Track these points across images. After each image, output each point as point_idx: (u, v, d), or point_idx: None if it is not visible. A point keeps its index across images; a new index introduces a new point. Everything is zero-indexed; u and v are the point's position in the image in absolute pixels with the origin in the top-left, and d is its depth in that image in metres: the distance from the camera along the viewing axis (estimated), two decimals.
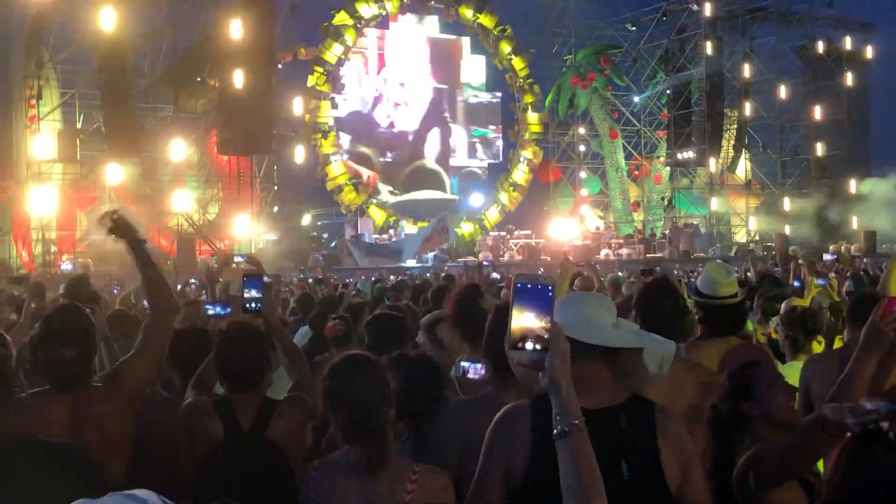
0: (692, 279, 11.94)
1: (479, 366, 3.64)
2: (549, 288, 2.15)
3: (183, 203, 27.06)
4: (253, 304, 4.19)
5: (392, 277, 17.12)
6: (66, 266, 23.75)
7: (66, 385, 3.65)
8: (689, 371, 3.93)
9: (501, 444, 2.60)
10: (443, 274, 15.34)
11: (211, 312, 4.79)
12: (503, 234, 33.26)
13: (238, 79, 25.38)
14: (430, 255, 29.21)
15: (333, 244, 30.15)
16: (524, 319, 2.13)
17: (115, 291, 11.64)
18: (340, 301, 8.18)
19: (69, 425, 3.53)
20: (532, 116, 36.61)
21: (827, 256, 8.15)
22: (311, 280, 14.41)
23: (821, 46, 38.16)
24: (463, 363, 3.78)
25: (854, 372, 3.16)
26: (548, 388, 2.19)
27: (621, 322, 2.71)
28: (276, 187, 30.53)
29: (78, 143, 25.90)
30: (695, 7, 34.94)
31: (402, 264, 27.27)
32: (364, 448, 2.93)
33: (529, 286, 2.14)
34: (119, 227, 4.18)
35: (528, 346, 2.13)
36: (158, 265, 4.38)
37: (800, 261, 9.51)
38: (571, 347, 2.20)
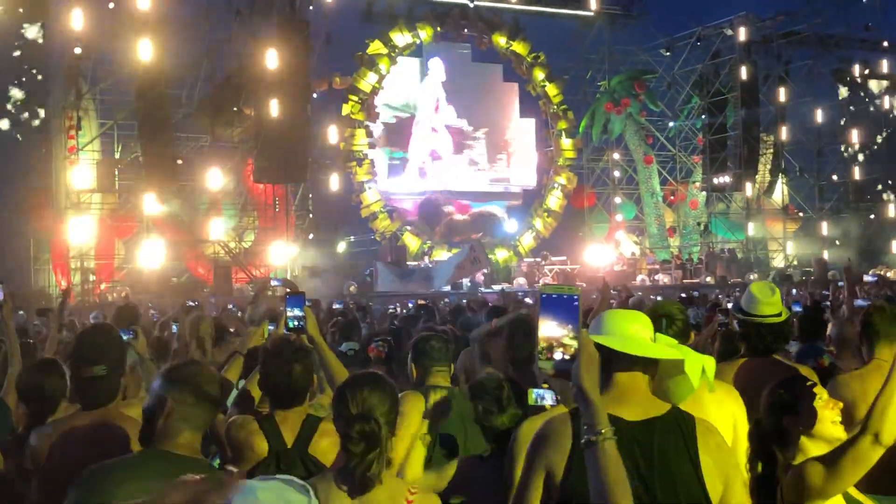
0: (729, 303, 11.84)
1: (553, 393, 3.67)
2: (575, 297, 2.16)
3: (219, 231, 27.32)
4: (296, 322, 4.24)
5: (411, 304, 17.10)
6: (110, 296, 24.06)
7: (93, 403, 3.67)
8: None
9: (543, 453, 2.62)
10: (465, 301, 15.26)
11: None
12: (538, 260, 33.19)
13: (274, 108, 25.68)
14: (465, 281, 29.19)
15: (368, 272, 30.22)
16: (551, 329, 2.15)
17: (153, 318, 11.72)
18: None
19: (92, 442, 3.53)
20: (566, 142, 36.58)
21: (868, 278, 8.02)
22: (352, 304, 14.50)
23: (857, 69, 37.97)
24: (536, 392, 3.80)
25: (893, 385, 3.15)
26: (575, 397, 2.20)
27: (659, 337, 2.73)
28: (311, 215, 30.70)
29: (116, 172, 26.30)
30: (729, 31, 34.87)
31: (436, 290, 27.30)
32: (357, 464, 2.90)
33: (555, 296, 2.16)
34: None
35: (557, 356, 2.15)
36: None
37: (839, 282, 9.34)
38: (611, 359, 2.22)
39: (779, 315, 4.66)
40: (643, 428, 2.54)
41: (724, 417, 3.65)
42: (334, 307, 13.30)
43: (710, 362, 2.70)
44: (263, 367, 3.96)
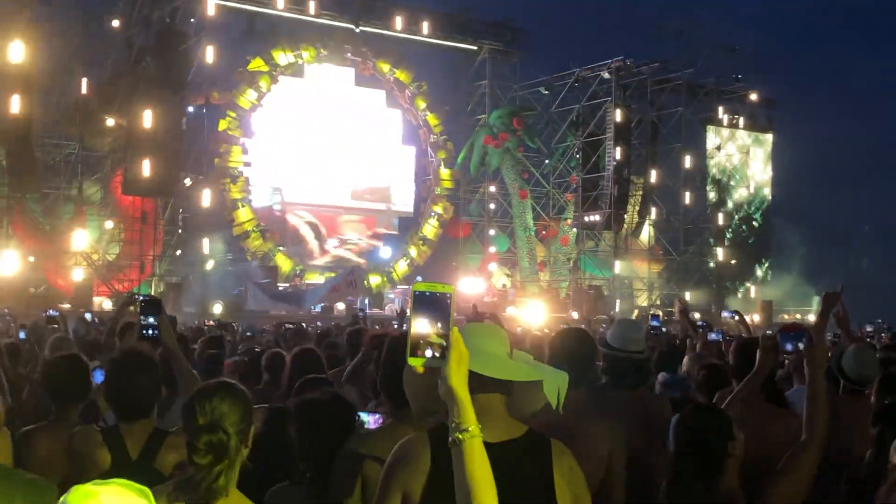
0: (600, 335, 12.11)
1: (377, 416, 3.63)
2: (448, 295, 2.15)
3: (83, 242, 26.48)
4: (150, 332, 4.13)
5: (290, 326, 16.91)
6: None
7: None
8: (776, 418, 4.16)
9: (400, 473, 2.60)
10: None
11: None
12: (409, 287, 33.27)
13: (147, 119, 25.10)
14: (340, 304, 28.98)
15: (238, 291, 29.74)
16: (423, 326, 2.14)
17: (20, 336, 11.15)
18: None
19: None
20: (444, 172, 36.95)
21: (725, 314, 8.29)
22: (212, 322, 14.28)
23: (725, 119, 39.63)
24: (362, 414, 3.76)
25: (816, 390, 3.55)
26: (444, 394, 2.18)
27: (515, 353, 2.73)
28: (180, 230, 30.05)
29: None
30: (606, 75, 35.84)
31: (309, 311, 27.08)
32: (205, 476, 2.71)
33: (428, 294, 2.15)
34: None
35: (428, 353, 2.13)
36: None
37: (699, 323, 9.68)
38: (470, 379, 2.22)
39: (642, 352, 4.85)
40: (501, 449, 2.52)
41: (598, 449, 3.72)
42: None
43: (564, 380, 2.73)
44: (108, 378, 3.85)
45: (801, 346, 3.87)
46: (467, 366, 2.19)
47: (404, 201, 38.34)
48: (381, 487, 2.65)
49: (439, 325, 2.14)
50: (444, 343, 2.14)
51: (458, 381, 2.17)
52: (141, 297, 6.51)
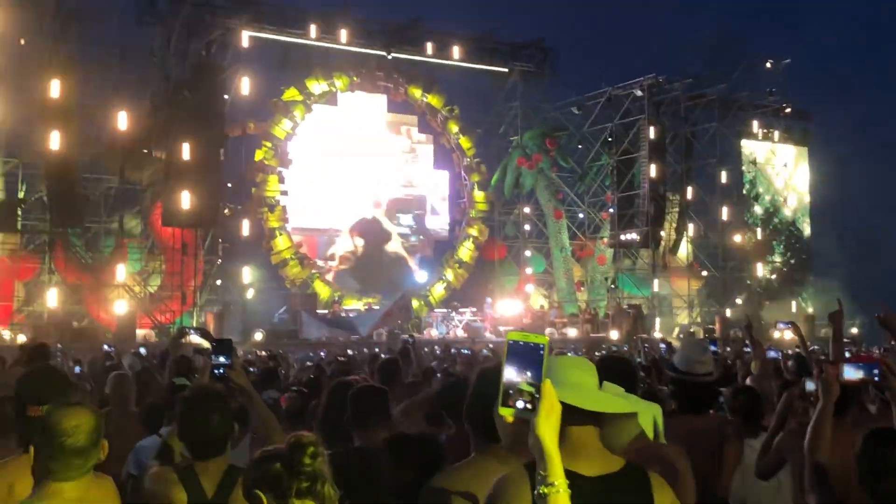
0: (638, 359, 12.07)
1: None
2: (541, 346, 2.15)
3: (124, 275, 26.73)
4: (221, 370, 4.14)
5: (350, 352, 17.01)
6: (5, 334, 23.26)
7: None
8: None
9: None
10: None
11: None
12: (448, 310, 33.26)
13: (186, 151, 25.36)
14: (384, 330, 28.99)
15: (277, 319, 29.86)
16: (515, 376, 2.13)
17: (76, 371, 11.29)
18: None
19: None
20: (478, 195, 36.97)
21: (780, 325, 8.19)
22: (263, 353, 14.36)
23: (760, 134, 39.41)
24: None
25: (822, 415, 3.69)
26: (532, 447, 2.17)
27: (605, 384, 2.69)
28: (220, 260, 30.27)
29: (19, 212, 25.52)
30: (638, 92, 35.78)
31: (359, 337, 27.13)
32: None
33: (521, 343, 2.15)
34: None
35: (519, 404, 2.13)
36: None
37: (745, 341, 9.58)
38: (563, 412, 2.20)
39: (710, 374, 4.77)
40: (600, 484, 2.52)
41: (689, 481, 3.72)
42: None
43: (658, 410, 2.69)
44: (181, 418, 3.86)
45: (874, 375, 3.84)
46: (558, 418, 2.17)
47: (439, 225, 38.39)
48: None
49: (531, 375, 2.14)
50: (535, 394, 2.13)
51: (548, 434, 2.15)
52: (199, 331, 6.53)
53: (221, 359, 4.16)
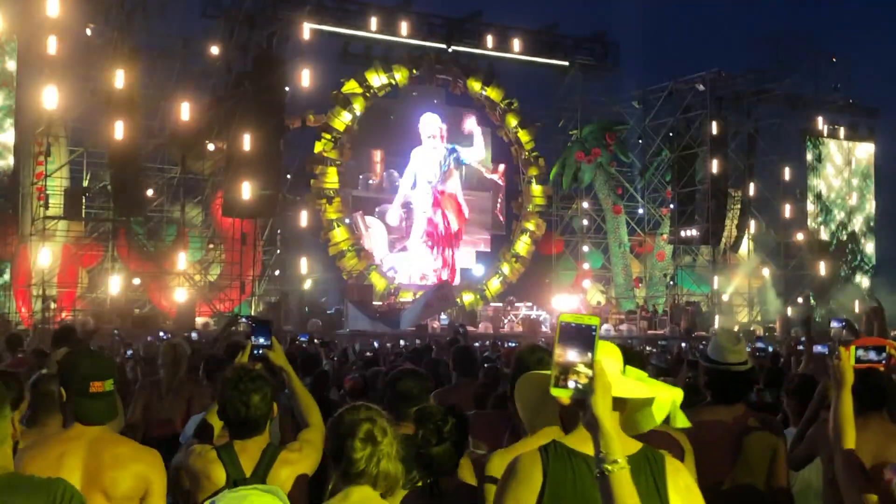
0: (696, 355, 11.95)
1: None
2: (593, 327, 2.20)
3: (185, 263, 27.15)
4: (260, 351, 4.18)
5: (401, 342, 17.09)
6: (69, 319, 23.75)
7: (97, 419, 3.71)
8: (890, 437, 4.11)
9: (513, 490, 2.59)
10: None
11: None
12: (504, 305, 33.22)
13: (246, 142, 25.66)
14: (435, 322, 29.00)
15: (333, 309, 30.09)
16: (567, 357, 2.18)
17: (127, 354, 11.57)
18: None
19: (85, 462, 3.59)
20: (536, 189, 36.84)
21: (834, 323, 8.07)
22: (316, 341, 14.49)
23: (826, 130, 38.65)
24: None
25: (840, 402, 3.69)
26: (588, 425, 2.21)
27: (628, 370, 2.70)
28: (278, 251, 30.60)
29: (84, 201, 26.04)
30: (700, 87, 35.34)
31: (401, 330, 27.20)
32: (368, 463, 2.94)
33: (573, 325, 2.20)
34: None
35: (571, 384, 2.18)
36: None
37: (800, 338, 9.51)
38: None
39: (745, 363, 4.69)
40: None
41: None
42: (298, 341, 13.34)
43: (679, 395, 2.70)
44: (221, 397, 3.91)
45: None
46: (611, 398, 2.22)
47: (496, 218, 38.31)
48: (495, 501, 2.64)
49: (585, 356, 2.18)
50: (590, 373, 2.17)
51: (604, 412, 2.19)
52: (248, 318, 6.60)
53: (261, 339, 4.19)
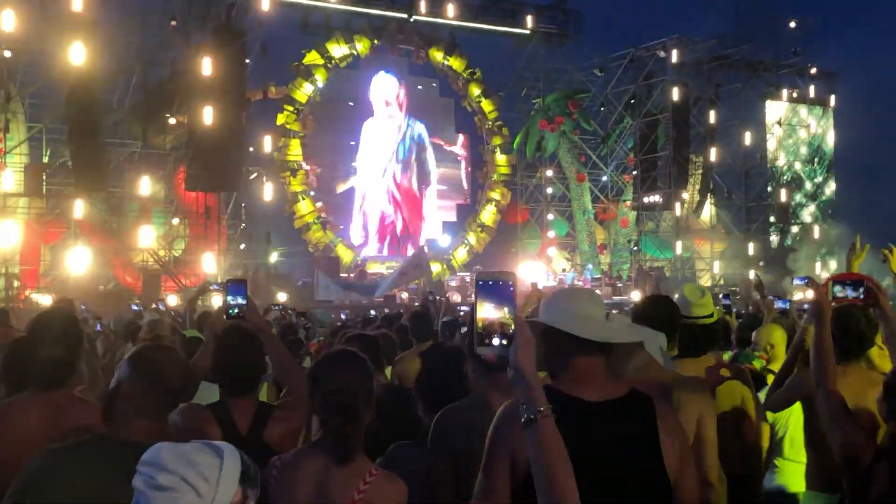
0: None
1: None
2: (510, 283, 2.19)
3: (149, 239, 26.92)
4: (236, 311, 4.19)
5: (373, 313, 17.11)
6: (33, 297, 23.50)
7: (48, 384, 3.64)
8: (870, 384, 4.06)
9: (506, 438, 2.61)
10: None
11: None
12: (470, 274, 33.30)
13: (207, 115, 25.41)
14: (404, 294, 29.04)
15: (301, 282, 30.00)
16: (489, 315, 2.17)
17: (97, 328, 11.49)
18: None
19: (45, 427, 3.50)
20: (500, 158, 36.89)
21: (797, 281, 8.21)
22: (290, 311, 14.50)
23: (785, 94, 38.92)
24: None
25: (820, 340, 3.62)
26: (513, 378, 2.21)
27: (612, 315, 2.77)
28: (243, 225, 30.43)
29: (44, 177, 25.69)
30: (661, 54, 35.46)
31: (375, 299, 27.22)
32: (335, 434, 2.96)
33: (491, 282, 2.19)
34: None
35: (495, 341, 2.17)
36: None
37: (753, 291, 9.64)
38: (566, 342, 2.24)
39: (710, 316, 4.78)
40: (603, 408, 2.57)
41: (689, 413, 3.70)
42: (272, 310, 13.35)
43: (663, 338, 2.76)
44: (216, 355, 3.93)
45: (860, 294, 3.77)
46: (533, 349, 2.21)
47: (461, 188, 38.33)
48: (487, 453, 2.65)
49: (504, 311, 2.17)
50: (511, 328, 2.17)
51: (526, 364, 2.19)
52: (219, 284, 6.58)
53: (239, 299, 4.20)
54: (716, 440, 3.74)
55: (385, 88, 35.59)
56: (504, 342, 2.16)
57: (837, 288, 3.79)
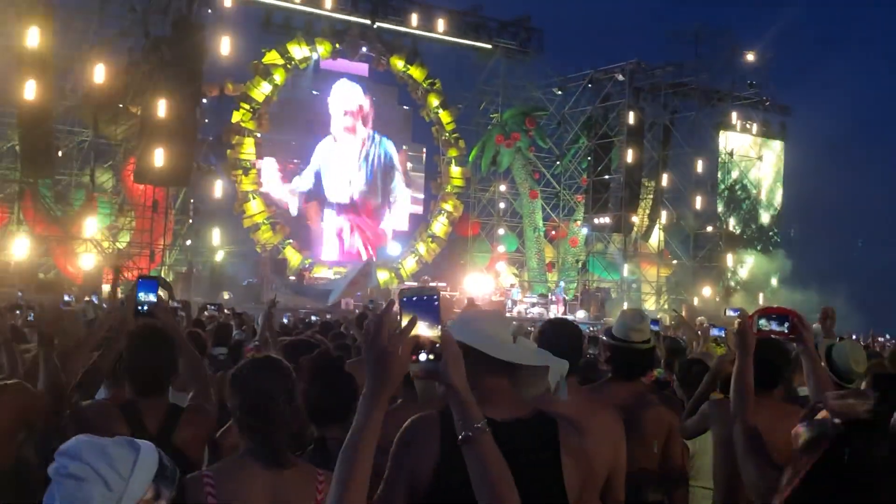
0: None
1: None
2: (434, 297, 2.16)
3: (93, 229, 26.55)
4: (146, 307, 4.08)
5: (314, 318, 17.01)
6: None
7: None
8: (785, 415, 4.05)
9: (409, 452, 2.61)
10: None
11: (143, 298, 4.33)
12: (418, 284, 33.25)
13: (161, 108, 25.13)
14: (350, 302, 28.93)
15: (246, 282, 29.73)
16: (414, 332, 2.13)
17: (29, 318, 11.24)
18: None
19: None
20: (455, 170, 36.93)
21: (730, 312, 8.34)
22: (227, 311, 14.35)
23: (739, 125, 39.53)
24: None
25: (741, 371, 3.64)
26: (445, 395, 2.19)
27: (519, 339, 2.76)
28: (191, 220, 30.11)
29: None
30: (620, 77, 35.81)
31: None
32: (264, 440, 2.94)
33: (415, 298, 2.16)
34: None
35: (422, 356, 2.13)
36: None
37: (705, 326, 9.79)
38: (475, 362, 2.22)
39: (647, 342, 4.80)
40: (508, 428, 2.55)
41: (605, 437, 3.72)
42: (208, 310, 13.20)
43: (565, 367, 2.77)
44: (129, 352, 3.85)
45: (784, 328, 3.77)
46: (462, 364, 2.18)
47: (414, 199, 38.31)
48: (390, 466, 2.64)
49: (431, 327, 2.14)
50: (437, 344, 2.14)
51: (459, 381, 2.17)
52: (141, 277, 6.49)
53: (151, 296, 4.11)
54: (625, 467, 3.84)
55: (347, 97, 35.40)
56: (431, 356, 2.13)
57: (763, 321, 3.79)
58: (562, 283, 36.62)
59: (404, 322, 2.12)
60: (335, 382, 3.68)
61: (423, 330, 2.13)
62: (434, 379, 2.17)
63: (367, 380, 2.11)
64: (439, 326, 2.14)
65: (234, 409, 3.04)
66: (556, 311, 32.37)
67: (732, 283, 38.08)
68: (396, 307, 2.15)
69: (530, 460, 2.56)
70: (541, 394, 2.76)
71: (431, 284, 26.32)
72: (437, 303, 2.16)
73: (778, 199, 42.85)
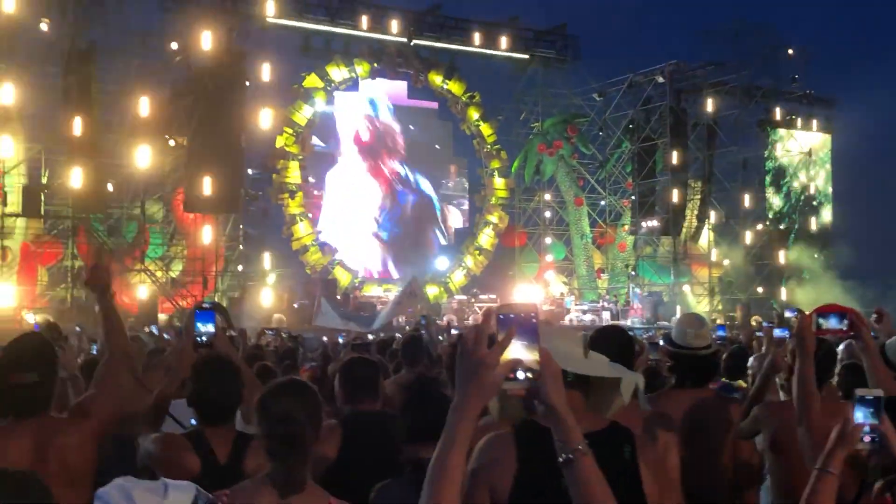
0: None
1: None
2: (533, 315, 2.12)
3: (147, 260, 26.92)
4: (204, 339, 4.13)
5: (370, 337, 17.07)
6: (29, 317, 23.44)
7: (27, 411, 3.61)
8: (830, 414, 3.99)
9: (486, 470, 2.60)
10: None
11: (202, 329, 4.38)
12: (468, 297, 33.24)
13: (206, 137, 25.45)
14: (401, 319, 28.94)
15: (297, 305, 29.91)
16: (512, 350, 2.09)
17: (93, 351, 11.45)
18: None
19: (31, 453, 3.50)
20: (498, 182, 36.92)
21: (788, 313, 8.23)
22: (283, 335, 14.48)
23: (783, 121, 39.03)
24: None
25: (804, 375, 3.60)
26: (545, 414, 2.16)
27: (591, 353, 2.75)
28: (241, 246, 30.41)
29: (42, 198, 25.67)
30: (660, 79, 35.59)
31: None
32: (282, 465, 2.97)
33: (512, 316, 2.11)
34: (96, 275, 4.15)
35: (520, 375, 2.09)
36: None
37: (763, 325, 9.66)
38: None
39: (708, 347, 4.75)
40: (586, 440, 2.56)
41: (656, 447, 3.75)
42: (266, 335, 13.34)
43: (641, 380, 2.76)
44: (195, 382, 3.89)
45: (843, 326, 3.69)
46: (562, 384, 2.15)
47: (459, 212, 38.37)
48: (469, 482, 2.61)
49: (528, 346, 2.09)
50: (537, 362, 2.09)
51: (558, 398, 2.13)
52: (209, 304, 6.54)
53: (210, 326, 4.15)
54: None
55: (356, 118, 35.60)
56: (529, 375, 2.09)
57: (821, 320, 3.73)
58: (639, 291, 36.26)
59: (501, 337, 2.09)
60: (430, 402, 3.71)
61: (521, 350, 2.09)
62: (534, 398, 2.13)
63: (457, 392, 2.09)
64: (537, 345, 2.10)
65: (257, 433, 3.11)
66: (607, 318, 32.21)
67: (785, 281, 37.51)
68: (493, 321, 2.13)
69: (610, 475, 2.56)
70: (618, 406, 2.76)
71: (499, 300, 26.23)
72: (534, 321, 2.11)
73: (828, 193, 42.17)
